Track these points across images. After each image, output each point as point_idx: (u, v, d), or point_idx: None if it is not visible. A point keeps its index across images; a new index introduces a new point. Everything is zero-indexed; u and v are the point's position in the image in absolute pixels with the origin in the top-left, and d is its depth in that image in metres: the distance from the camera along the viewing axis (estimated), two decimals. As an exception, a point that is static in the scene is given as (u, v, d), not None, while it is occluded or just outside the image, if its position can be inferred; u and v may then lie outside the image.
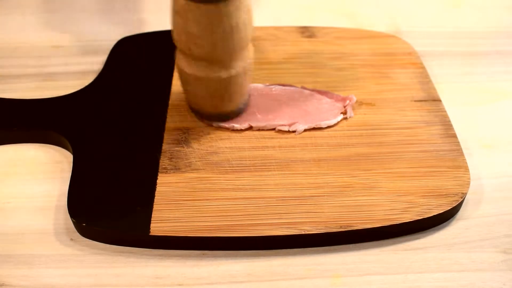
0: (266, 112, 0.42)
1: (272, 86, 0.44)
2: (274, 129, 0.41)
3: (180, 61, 0.39)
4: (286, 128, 0.41)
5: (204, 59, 0.37)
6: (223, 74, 0.38)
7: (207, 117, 0.42)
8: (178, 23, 0.37)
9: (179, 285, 0.33)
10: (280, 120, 0.41)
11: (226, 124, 0.41)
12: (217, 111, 0.41)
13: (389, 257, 0.35)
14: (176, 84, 0.45)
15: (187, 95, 0.41)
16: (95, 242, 0.35)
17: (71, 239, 0.36)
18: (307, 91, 0.44)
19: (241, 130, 0.41)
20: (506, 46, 0.53)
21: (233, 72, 0.38)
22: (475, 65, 0.51)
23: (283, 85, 0.45)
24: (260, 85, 0.45)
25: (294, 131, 0.41)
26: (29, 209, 0.37)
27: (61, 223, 0.36)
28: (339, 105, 0.43)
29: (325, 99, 0.44)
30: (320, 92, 0.44)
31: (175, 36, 0.38)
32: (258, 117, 0.42)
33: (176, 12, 0.36)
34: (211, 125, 0.41)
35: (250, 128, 0.41)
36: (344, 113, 0.42)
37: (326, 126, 0.41)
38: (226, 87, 0.39)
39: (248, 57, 0.39)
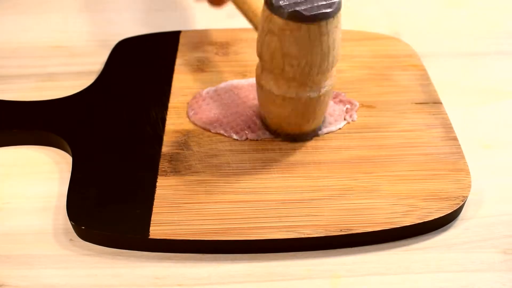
0: (264, 115, 0.42)
1: None
2: None
3: (268, 82, 0.38)
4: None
5: (296, 79, 0.37)
6: (313, 94, 0.37)
7: (284, 136, 0.41)
8: (273, 43, 0.35)
9: (179, 285, 0.33)
10: None
11: (225, 133, 0.41)
12: (299, 131, 0.40)
13: (389, 257, 0.35)
14: (176, 86, 0.45)
15: (268, 116, 0.40)
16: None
17: (71, 240, 0.36)
18: None
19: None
20: (506, 46, 0.53)
21: (322, 91, 0.38)
22: (475, 65, 0.51)
23: None
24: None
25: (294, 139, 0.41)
26: (28, 209, 0.37)
27: (61, 224, 0.36)
28: (341, 107, 0.43)
29: None
30: None
31: (266, 57, 0.37)
32: (256, 123, 0.42)
33: (271, 32, 0.35)
34: (210, 131, 0.41)
35: (247, 139, 0.41)
36: (349, 116, 0.42)
37: (327, 132, 0.41)
38: (314, 106, 0.38)
39: (334, 75, 0.39)
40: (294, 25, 0.34)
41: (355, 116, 0.42)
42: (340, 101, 0.44)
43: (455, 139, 0.41)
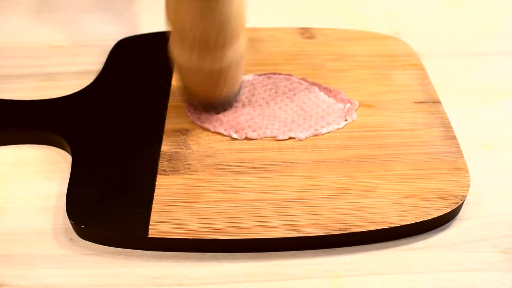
0: (263, 115, 0.42)
1: (271, 75, 0.45)
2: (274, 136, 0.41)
3: (174, 51, 0.39)
4: (286, 137, 0.41)
5: (195, 51, 0.38)
6: (215, 66, 0.38)
7: (201, 105, 0.42)
8: (171, 14, 0.37)
9: (179, 285, 0.33)
10: (278, 127, 0.41)
11: (224, 133, 0.41)
12: (209, 99, 0.41)
13: (389, 257, 0.35)
14: (176, 86, 0.45)
15: (181, 83, 0.42)
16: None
17: (71, 239, 0.36)
18: (306, 84, 0.44)
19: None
20: (506, 46, 0.53)
21: (224, 64, 0.39)
22: (475, 65, 0.50)
23: (281, 74, 0.45)
24: (258, 77, 0.45)
25: (293, 138, 0.41)
26: (28, 209, 0.37)
27: (61, 223, 0.36)
28: (340, 106, 0.43)
29: (323, 97, 0.44)
30: (319, 86, 0.44)
31: (168, 27, 0.38)
32: (255, 121, 0.42)
33: (170, 4, 0.37)
34: (209, 130, 0.41)
35: (247, 138, 0.41)
36: (347, 118, 0.42)
37: (326, 132, 0.41)
38: (218, 78, 0.39)
39: (239, 49, 0.39)
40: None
41: (354, 116, 0.42)
42: (340, 100, 0.44)
43: (454, 138, 0.41)
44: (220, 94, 0.41)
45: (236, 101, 0.42)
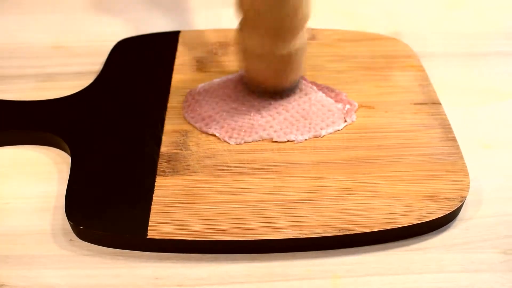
0: (261, 116, 0.42)
1: None
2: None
3: (243, 39, 0.41)
4: (284, 139, 0.41)
5: (268, 36, 0.39)
6: (284, 51, 0.40)
7: (261, 93, 0.43)
8: (245, 2, 0.38)
9: (179, 285, 0.33)
10: (277, 129, 0.41)
11: (220, 137, 0.41)
12: (274, 87, 0.43)
13: (389, 258, 0.35)
14: (175, 86, 0.45)
15: (246, 73, 0.43)
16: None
17: (70, 240, 0.36)
18: (304, 83, 0.45)
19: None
20: (506, 47, 0.53)
21: (292, 49, 0.40)
22: (475, 66, 0.50)
23: None
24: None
25: (292, 141, 0.41)
26: (28, 210, 0.37)
27: (60, 224, 0.36)
28: (339, 106, 0.43)
29: (322, 97, 0.44)
30: (318, 86, 0.44)
31: (240, 14, 0.39)
32: (253, 124, 0.42)
33: None
34: (207, 132, 0.41)
35: (244, 143, 0.41)
36: (347, 119, 0.42)
37: (326, 133, 0.41)
38: (286, 63, 0.41)
39: (305, 35, 0.41)
40: None
41: (354, 117, 0.42)
42: (340, 101, 0.44)
43: (453, 139, 0.41)
44: (287, 79, 0.42)
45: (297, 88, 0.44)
